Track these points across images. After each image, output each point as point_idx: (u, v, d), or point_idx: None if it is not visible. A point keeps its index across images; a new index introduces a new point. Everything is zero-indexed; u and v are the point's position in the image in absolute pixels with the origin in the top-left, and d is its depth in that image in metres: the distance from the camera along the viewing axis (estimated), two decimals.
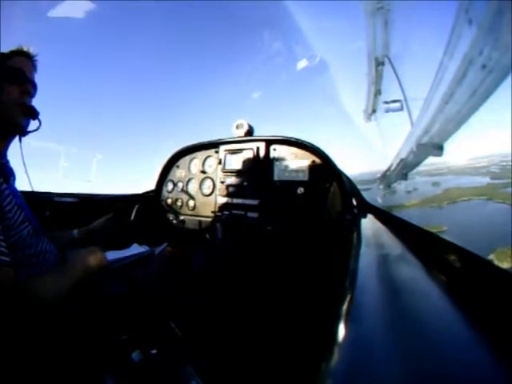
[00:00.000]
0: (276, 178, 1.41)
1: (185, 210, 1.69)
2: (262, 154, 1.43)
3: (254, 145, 1.45)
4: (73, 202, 1.46)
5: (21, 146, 0.77)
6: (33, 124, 0.78)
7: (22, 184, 0.78)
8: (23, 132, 0.75)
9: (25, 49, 0.75)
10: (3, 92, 0.69)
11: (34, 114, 0.75)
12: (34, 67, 0.77)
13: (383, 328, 0.36)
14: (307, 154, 1.33)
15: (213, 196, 1.58)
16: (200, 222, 1.61)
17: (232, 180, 1.51)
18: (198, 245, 1.49)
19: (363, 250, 0.72)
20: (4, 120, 0.70)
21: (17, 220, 0.64)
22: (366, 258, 0.65)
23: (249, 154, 1.45)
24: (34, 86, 0.76)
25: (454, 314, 0.39)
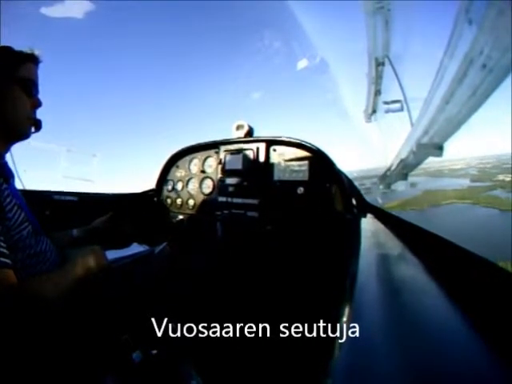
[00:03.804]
0: (276, 178, 1.41)
1: (185, 210, 1.69)
2: (261, 154, 1.44)
3: (254, 145, 1.45)
4: (73, 201, 1.46)
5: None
6: None
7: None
8: (27, 138, 0.76)
9: (36, 53, 0.73)
10: (17, 103, 0.68)
11: (39, 127, 0.76)
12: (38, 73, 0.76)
13: (383, 327, 0.36)
14: (307, 154, 1.33)
15: (213, 195, 1.58)
16: (200, 221, 1.61)
17: (232, 180, 1.51)
18: (197, 244, 1.49)
19: (363, 249, 0.72)
20: (12, 129, 0.70)
21: (17, 220, 0.64)
22: (366, 258, 0.65)
23: (249, 155, 1.45)
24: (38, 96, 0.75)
25: (453, 314, 0.39)
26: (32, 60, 0.72)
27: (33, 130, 0.75)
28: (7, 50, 0.70)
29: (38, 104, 0.74)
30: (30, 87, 0.71)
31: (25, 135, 0.73)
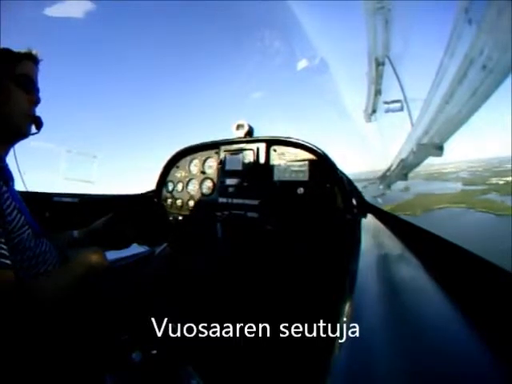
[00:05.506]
0: (276, 178, 1.41)
1: (185, 211, 1.69)
2: (262, 154, 1.44)
3: (254, 145, 1.45)
4: (73, 203, 1.46)
5: (14, 149, 0.77)
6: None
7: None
8: (26, 137, 0.75)
9: (33, 52, 0.72)
10: (13, 99, 0.68)
11: (39, 124, 0.75)
12: (37, 72, 0.75)
13: (383, 327, 0.36)
14: (307, 154, 1.33)
15: (213, 196, 1.58)
16: (200, 222, 1.61)
17: (232, 180, 1.51)
18: (198, 245, 1.49)
19: (363, 249, 0.72)
20: (10, 127, 0.69)
21: (17, 223, 0.64)
22: (366, 258, 0.65)
23: (249, 155, 1.45)
24: (39, 93, 0.75)
25: (453, 314, 0.39)
26: (28, 58, 0.72)
27: (34, 129, 0.75)
28: (3, 50, 0.70)
29: (37, 101, 0.73)
30: (27, 83, 0.70)
31: (23, 133, 0.72)
